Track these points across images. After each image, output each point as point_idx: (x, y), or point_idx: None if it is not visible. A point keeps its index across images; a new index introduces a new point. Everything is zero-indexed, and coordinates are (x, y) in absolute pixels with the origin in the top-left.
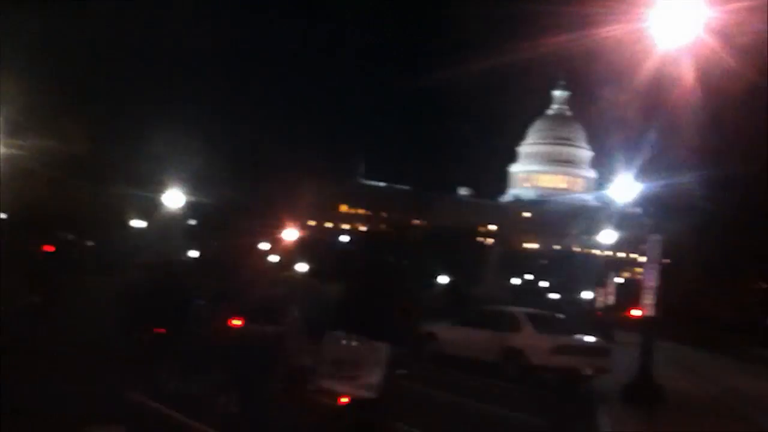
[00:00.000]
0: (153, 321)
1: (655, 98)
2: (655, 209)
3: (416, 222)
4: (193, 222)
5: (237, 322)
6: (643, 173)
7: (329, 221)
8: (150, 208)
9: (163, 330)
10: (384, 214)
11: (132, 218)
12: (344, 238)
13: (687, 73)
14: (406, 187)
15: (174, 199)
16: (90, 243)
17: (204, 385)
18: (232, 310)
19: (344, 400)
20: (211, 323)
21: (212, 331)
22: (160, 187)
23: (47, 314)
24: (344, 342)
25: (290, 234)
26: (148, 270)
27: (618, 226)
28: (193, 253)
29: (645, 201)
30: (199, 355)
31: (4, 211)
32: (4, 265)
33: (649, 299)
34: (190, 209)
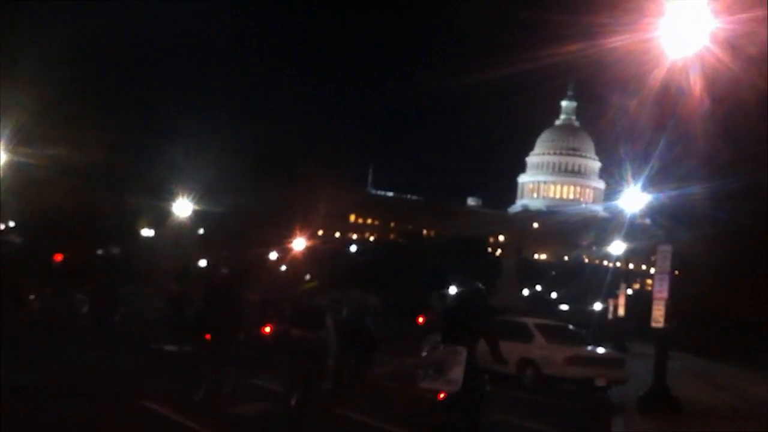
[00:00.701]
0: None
1: (664, 108)
2: (664, 219)
3: (426, 232)
4: (202, 231)
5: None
6: (653, 183)
7: (339, 231)
8: (161, 217)
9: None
10: (393, 224)
11: (144, 227)
12: (353, 248)
13: (696, 83)
14: (416, 197)
15: (184, 207)
16: (116, 251)
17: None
18: (280, 317)
19: (441, 396)
20: (260, 328)
21: (264, 335)
22: (171, 196)
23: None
24: (436, 348)
25: (300, 243)
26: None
27: (628, 237)
28: (203, 262)
29: (654, 211)
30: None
31: (16, 219)
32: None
33: (660, 310)
34: (201, 218)
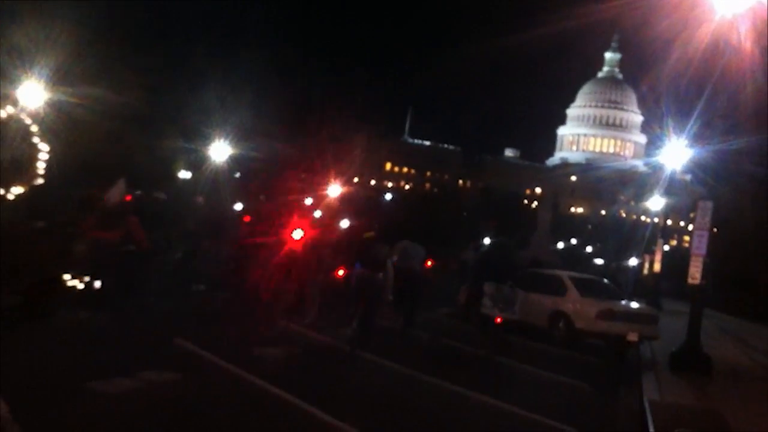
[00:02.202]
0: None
1: (711, 63)
2: (706, 175)
3: (462, 183)
4: (238, 175)
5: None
6: (696, 139)
7: (374, 179)
8: (197, 161)
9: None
10: (429, 174)
11: (180, 170)
12: (389, 196)
13: (744, 39)
14: (453, 147)
15: (221, 151)
16: (161, 195)
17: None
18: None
19: (498, 320)
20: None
21: (337, 278)
22: (207, 140)
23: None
24: (495, 287)
25: (335, 190)
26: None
27: (667, 193)
28: (239, 206)
29: (696, 167)
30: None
31: (56, 159)
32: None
33: (697, 266)
34: (237, 162)
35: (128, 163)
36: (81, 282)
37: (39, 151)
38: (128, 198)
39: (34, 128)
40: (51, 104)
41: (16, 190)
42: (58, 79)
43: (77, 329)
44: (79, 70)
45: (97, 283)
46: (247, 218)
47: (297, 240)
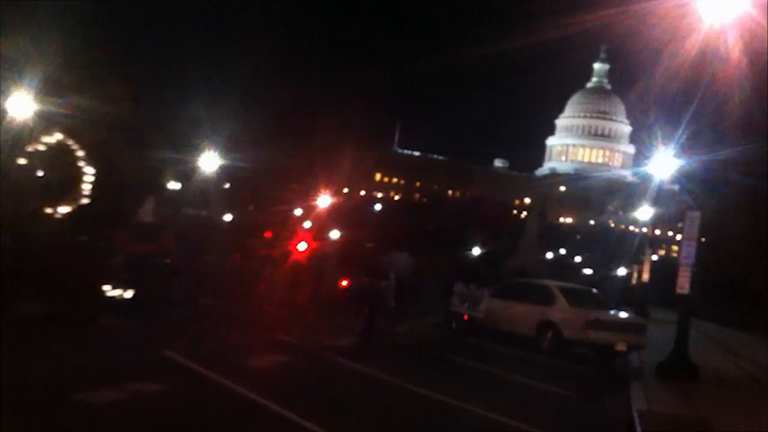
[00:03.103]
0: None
1: (698, 73)
2: (693, 185)
3: (451, 193)
4: (227, 186)
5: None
6: (683, 149)
7: (364, 189)
8: (186, 171)
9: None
10: (418, 184)
11: (169, 180)
12: (378, 207)
13: (732, 49)
14: (442, 158)
15: (210, 161)
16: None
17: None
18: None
19: (465, 317)
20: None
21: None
22: (196, 150)
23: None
24: (465, 288)
25: (325, 201)
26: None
27: (655, 203)
28: (228, 217)
29: (684, 177)
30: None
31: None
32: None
33: (685, 276)
34: (226, 172)
35: (116, 172)
36: (117, 291)
37: (84, 174)
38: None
39: (80, 153)
40: (40, 114)
41: (63, 209)
42: (47, 89)
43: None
44: (67, 81)
45: (130, 293)
46: (268, 234)
47: (301, 252)
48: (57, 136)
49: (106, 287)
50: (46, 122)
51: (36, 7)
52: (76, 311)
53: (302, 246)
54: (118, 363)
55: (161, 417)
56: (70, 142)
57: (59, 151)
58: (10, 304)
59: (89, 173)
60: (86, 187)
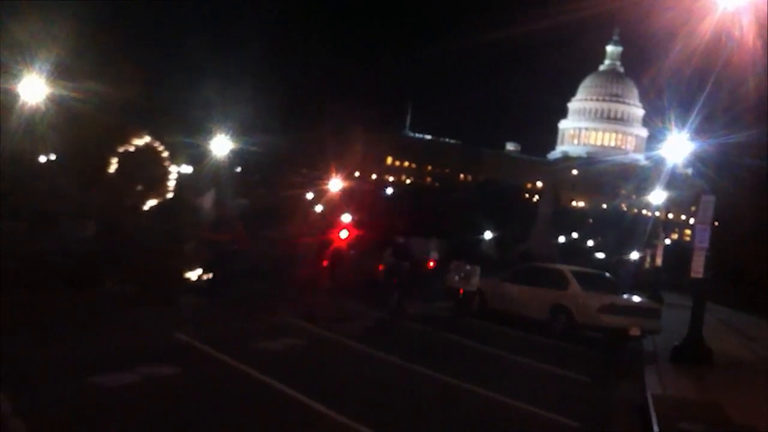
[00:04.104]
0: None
1: (712, 56)
2: (707, 169)
3: (463, 176)
4: (238, 170)
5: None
6: (697, 133)
7: (375, 173)
8: (198, 155)
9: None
10: (430, 168)
11: (181, 165)
12: (390, 191)
13: (746, 32)
14: (453, 141)
15: (222, 146)
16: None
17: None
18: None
19: (461, 291)
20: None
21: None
22: (208, 134)
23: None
24: (460, 265)
25: (336, 184)
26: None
27: (669, 187)
28: (242, 201)
29: (698, 161)
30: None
31: (54, 153)
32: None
33: (699, 260)
34: (237, 157)
35: (128, 156)
36: (197, 274)
37: (169, 171)
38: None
39: (165, 154)
40: (52, 99)
41: (151, 202)
42: (58, 73)
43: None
44: (79, 65)
45: (208, 276)
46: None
47: (343, 239)
48: (145, 139)
49: (188, 272)
50: (56, 107)
51: None
52: (159, 292)
53: (344, 234)
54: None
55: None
56: (156, 143)
57: (147, 151)
58: (97, 283)
59: (173, 171)
60: (171, 184)
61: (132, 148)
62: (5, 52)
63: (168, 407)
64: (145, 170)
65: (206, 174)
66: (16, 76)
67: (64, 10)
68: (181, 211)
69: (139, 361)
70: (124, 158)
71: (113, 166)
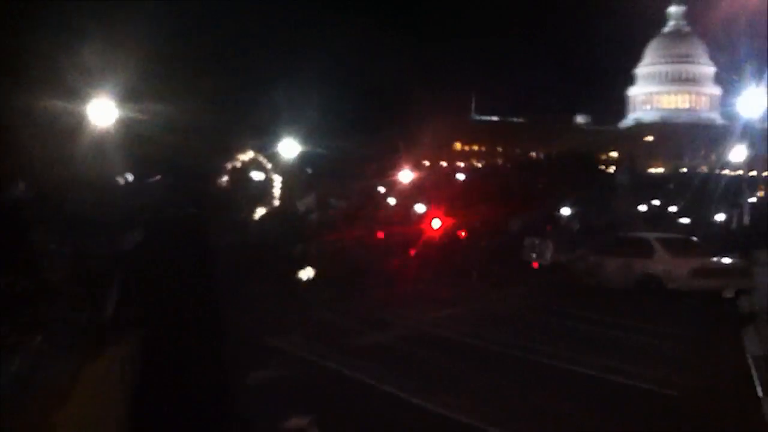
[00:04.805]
0: None
1: None
2: None
3: (534, 154)
4: (309, 170)
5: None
6: None
7: (444, 160)
8: (268, 160)
9: None
10: (500, 149)
11: (251, 172)
12: (462, 176)
13: None
14: (521, 120)
15: (291, 148)
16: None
17: None
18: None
19: (535, 265)
20: None
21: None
22: (276, 138)
23: None
24: (533, 241)
25: (407, 176)
26: None
27: (749, 143)
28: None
29: None
30: None
31: (131, 173)
32: None
33: None
34: (307, 158)
35: (198, 171)
36: (307, 275)
37: (275, 182)
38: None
39: (269, 166)
40: (120, 121)
41: (260, 212)
42: (126, 96)
43: None
44: (145, 87)
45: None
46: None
47: (436, 230)
48: (249, 154)
49: (300, 272)
50: (125, 129)
51: (117, 14)
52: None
53: (436, 223)
54: None
55: None
56: (260, 157)
57: (252, 164)
58: None
59: (278, 180)
60: (276, 193)
61: (239, 164)
62: (75, 76)
63: None
64: (252, 183)
65: (303, 179)
66: (86, 99)
67: (134, 33)
68: (288, 217)
69: None
70: (232, 173)
71: (224, 181)
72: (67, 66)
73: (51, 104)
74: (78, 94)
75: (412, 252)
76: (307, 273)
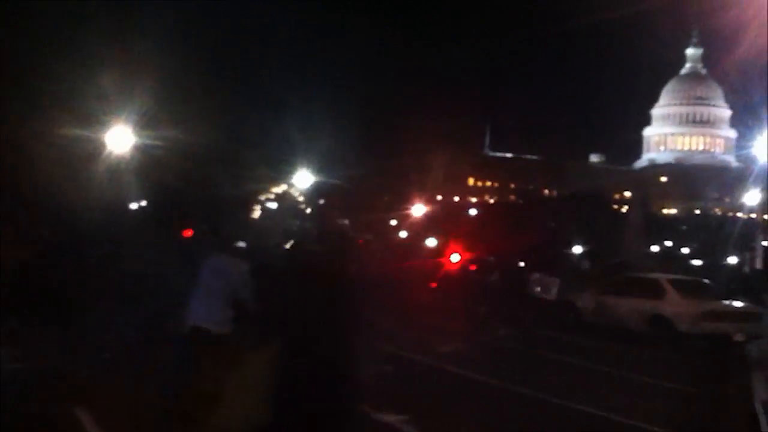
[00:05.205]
0: None
1: None
2: None
3: (548, 192)
4: (321, 202)
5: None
6: None
7: (457, 194)
8: (283, 192)
9: None
10: (513, 186)
11: (264, 201)
12: (474, 211)
13: None
14: (535, 157)
15: (304, 179)
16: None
17: None
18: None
19: (542, 301)
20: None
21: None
22: (288, 169)
23: None
24: (540, 277)
25: (419, 209)
26: None
27: (763, 187)
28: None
29: None
30: None
31: (145, 199)
32: None
33: None
34: (320, 189)
35: (214, 196)
36: None
37: (303, 210)
38: None
39: (301, 198)
40: (136, 147)
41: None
42: (143, 123)
43: None
44: (161, 114)
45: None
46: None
47: (455, 263)
48: (283, 187)
49: None
50: (141, 155)
51: (133, 44)
52: None
53: (455, 258)
54: None
55: None
56: (291, 189)
57: (284, 196)
58: None
59: (304, 209)
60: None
61: (272, 196)
62: (93, 103)
63: None
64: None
65: (331, 211)
66: (103, 126)
67: (148, 62)
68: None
69: None
70: (264, 205)
71: (257, 212)
72: (85, 92)
73: (69, 130)
74: (96, 120)
75: (433, 285)
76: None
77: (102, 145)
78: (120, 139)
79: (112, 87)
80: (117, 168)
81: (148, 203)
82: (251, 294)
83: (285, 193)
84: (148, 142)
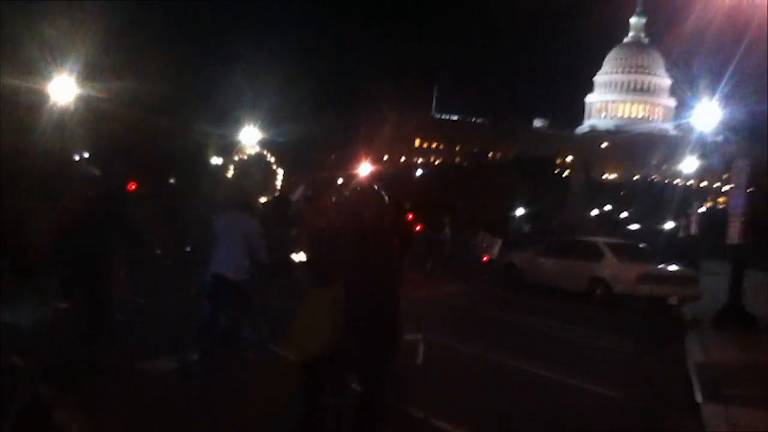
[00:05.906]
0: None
1: (739, 21)
2: (739, 135)
3: (492, 154)
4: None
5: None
6: (726, 99)
7: (404, 155)
8: (228, 147)
9: None
10: (458, 147)
11: (211, 155)
12: (420, 172)
13: None
14: (481, 120)
15: (251, 136)
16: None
17: None
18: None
19: (485, 258)
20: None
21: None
22: (237, 125)
23: None
24: (484, 236)
25: (366, 168)
26: None
27: (700, 155)
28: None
29: (728, 128)
30: None
31: (87, 151)
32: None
33: (736, 226)
34: (267, 146)
35: (158, 150)
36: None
37: (276, 173)
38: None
39: (272, 159)
40: (81, 98)
41: (262, 199)
42: (87, 73)
43: None
44: (107, 64)
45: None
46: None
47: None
48: (255, 148)
49: (293, 256)
50: (85, 105)
51: None
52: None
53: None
54: None
55: None
56: (265, 151)
57: (258, 158)
58: None
59: (280, 173)
60: (278, 184)
61: (246, 156)
62: (35, 53)
63: None
64: (258, 174)
65: (300, 174)
66: (46, 77)
67: (93, 8)
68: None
69: None
70: (239, 164)
71: (230, 171)
72: (27, 41)
73: (10, 80)
74: (37, 72)
75: None
76: (299, 256)
77: (45, 96)
78: (64, 89)
79: (54, 35)
80: (61, 119)
81: (90, 155)
82: (265, 246)
83: (258, 155)
84: (92, 93)
